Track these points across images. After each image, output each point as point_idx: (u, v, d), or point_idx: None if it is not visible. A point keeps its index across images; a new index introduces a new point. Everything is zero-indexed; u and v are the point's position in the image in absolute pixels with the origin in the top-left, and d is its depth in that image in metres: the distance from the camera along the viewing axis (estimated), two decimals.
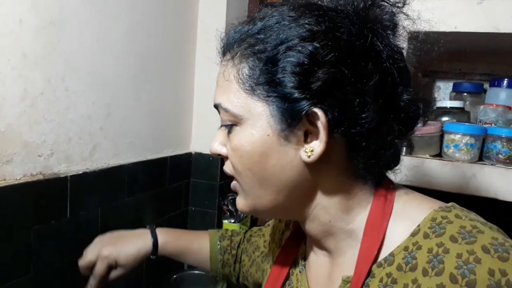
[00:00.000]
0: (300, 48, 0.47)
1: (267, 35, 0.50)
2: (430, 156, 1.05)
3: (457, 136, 1.00)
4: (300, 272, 0.64)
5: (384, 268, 0.50)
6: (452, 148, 1.01)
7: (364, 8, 0.51)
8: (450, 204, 0.51)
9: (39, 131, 0.86)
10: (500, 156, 0.98)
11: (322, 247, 0.60)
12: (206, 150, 1.46)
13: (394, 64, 0.51)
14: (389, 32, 0.52)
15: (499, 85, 1.18)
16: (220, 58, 0.57)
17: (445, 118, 1.11)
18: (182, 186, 1.43)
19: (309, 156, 0.50)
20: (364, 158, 0.52)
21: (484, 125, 1.08)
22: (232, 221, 1.44)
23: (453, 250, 0.45)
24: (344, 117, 0.49)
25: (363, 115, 0.49)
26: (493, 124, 1.08)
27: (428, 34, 0.53)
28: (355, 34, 0.48)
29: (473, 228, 0.46)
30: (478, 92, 1.26)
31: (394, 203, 0.54)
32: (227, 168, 0.57)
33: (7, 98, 0.78)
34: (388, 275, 0.49)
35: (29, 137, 0.84)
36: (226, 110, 0.53)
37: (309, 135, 0.51)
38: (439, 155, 1.05)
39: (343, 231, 0.55)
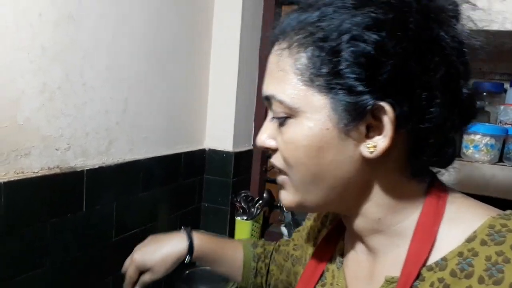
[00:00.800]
0: (366, 38, 0.45)
1: (329, 23, 0.47)
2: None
3: (477, 137, 0.98)
4: (337, 268, 0.62)
5: (435, 272, 0.48)
6: (471, 148, 0.99)
7: None
8: (508, 211, 0.49)
9: (57, 125, 0.86)
10: None
11: (364, 244, 0.58)
12: (219, 147, 1.46)
13: (459, 57, 0.48)
14: (453, 22, 0.49)
15: None
16: (270, 46, 0.54)
17: None
18: (195, 182, 1.43)
19: (371, 152, 0.48)
20: (427, 156, 0.50)
21: (505, 126, 1.06)
22: (245, 218, 1.44)
23: None
24: (412, 112, 0.46)
25: (431, 110, 0.47)
26: None
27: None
28: (422, 24, 0.46)
29: None
30: (498, 92, 1.23)
31: (446, 205, 0.52)
32: (277, 161, 0.54)
33: (26, 91, 0.79)
34: (440, 280, 0.47)
35: (47, 131, 0.84)
36: (281, 102, 0.50)
37: (370, 129, 0.48)
38: (458, 155, 1.04)
39: (391, 230, 0.53)
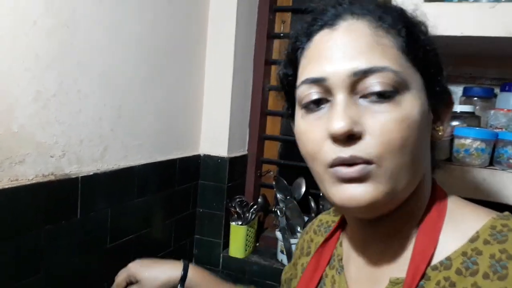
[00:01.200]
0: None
1: (411, 16, 0.53)
2: (440, 160, 1.04)
3: (468, 141, 0.99)
4: (338, 273, 0.62)
5: (440, 271, 0.49)
6: (462, 152, 1.00)
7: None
8: (506, 213, 0.51)
9: (51, 132, 0.87)
10: (511, 161, 0.97)
11: (370, 248, 0.57)
12: (214, 153, 1.47)
13: None
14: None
15: (510, 89, 1.17)
16: (332, 20, 0.50)
17: (455, 123, 1.11)
18: (190, 188, 1.43)
19: (441, 134, 0.53)
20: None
21: (495, 130, 1.07)
22: (240, 223, 1.44)
23: None
24: None
25: None
26: (504, 129, 1.07)
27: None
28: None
29: None
30: (489, 97, 1.24)
31: (447, 207, 0.54)
32: (368, 148, 0.46)
33: (20, 99, 0.79)
34: (446, 278, 0.49)
35: (41, 138, 0.84)
36: (396, 73, 0.46)
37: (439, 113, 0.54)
38: (449, 159, 1.05)
39: (410, 230, 0.54)
